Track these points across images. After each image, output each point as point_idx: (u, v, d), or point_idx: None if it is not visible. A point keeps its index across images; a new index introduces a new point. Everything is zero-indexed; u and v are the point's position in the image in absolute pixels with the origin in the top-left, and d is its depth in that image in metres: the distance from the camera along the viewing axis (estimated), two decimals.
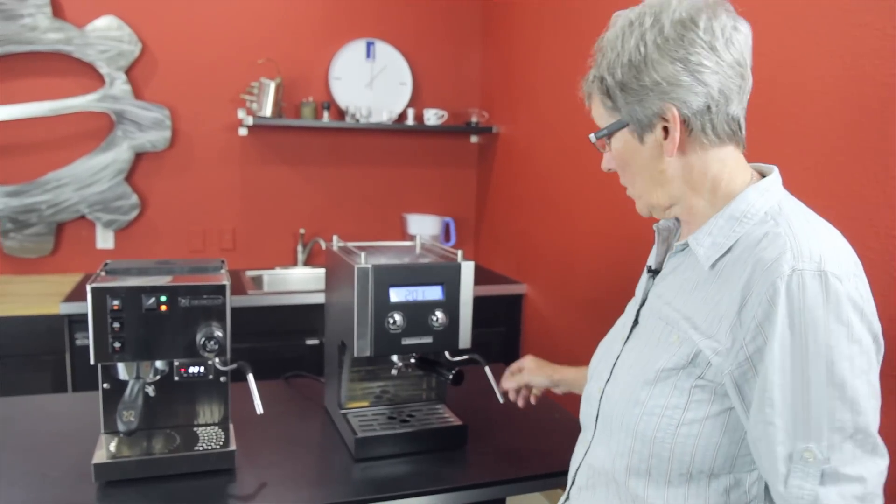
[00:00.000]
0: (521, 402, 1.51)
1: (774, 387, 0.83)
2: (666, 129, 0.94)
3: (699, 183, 0.97)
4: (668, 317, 0.98)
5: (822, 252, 0.84)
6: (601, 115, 1.01)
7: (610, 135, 0.99)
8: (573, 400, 1.37)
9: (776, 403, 0.83)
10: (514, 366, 1.52)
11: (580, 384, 1.37)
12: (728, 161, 0.96)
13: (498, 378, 1.51)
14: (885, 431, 1.40)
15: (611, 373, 1.05)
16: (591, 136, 1.02)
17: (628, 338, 1.07)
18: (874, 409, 0.84)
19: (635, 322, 1.07)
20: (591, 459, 1.07)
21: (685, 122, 0.92)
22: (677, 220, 1.09)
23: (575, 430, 1.54)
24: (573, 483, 1.12)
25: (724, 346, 0.88)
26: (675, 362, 0.93)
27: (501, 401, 1.46)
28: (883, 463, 0.84)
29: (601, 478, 1.04)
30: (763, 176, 0.99)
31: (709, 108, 0.92)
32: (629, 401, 0.98)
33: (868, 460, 0.83)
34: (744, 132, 0.97)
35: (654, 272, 1.09)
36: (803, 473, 0.82)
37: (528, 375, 1.48)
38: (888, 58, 1.41)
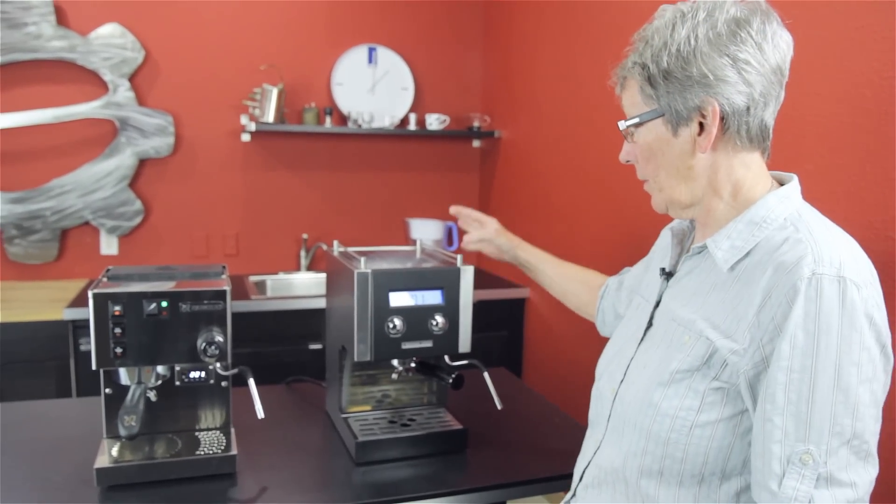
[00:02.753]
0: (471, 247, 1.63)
1: (778, 385, 0.84)
2: (701, 125, 0.94)
3: (722, 185, 0.98)
4: (684, 318, 0.98)
5: (841, 259, 0.86)
6: (635, 104, 1.00)
7: (641, 124, 0.99)
8: (574, 404, 1.37)
9: (777, 401, 0.84)
10: (476, 215, 1.62)
11: (538, 269, 1.60)
12: (752, 167, 0.97)
13: (496, 383, 1.52)
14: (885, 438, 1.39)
15: (624, 374, 1.06)
16: (622, 123, 1.02)
17: (642, 339, 1.07)
18: (872, 418, 0.85)
19: (649, 324, 1.07)
20: (600, 459, 1.08)
21: (723, 120, 0.93)
22: (691, 222, 1.11)
23: (575, 433, 1.54)
24: (580, 480, 1.13)
25: (742, 345, 0.88)
26: (690, 363, 0.94)
27: (500, 406, 1.46)
28: (874, 472, 0.85)
29: (609, 477, 1.04)
30: (782, 184, 1.00)
31: (748, 108, 0.93)
32: (643, 402, 0.98)
33: (861, 467, 0.84)
34: (770, 141, 0.99)
35: (669, 274, 1.09)
36: (799, 475, 0.83)
37: (492, 235, 1.60)
38: (888, 59, 1.41)
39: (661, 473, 0.96)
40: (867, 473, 0.84)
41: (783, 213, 0.94)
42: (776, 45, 0.92)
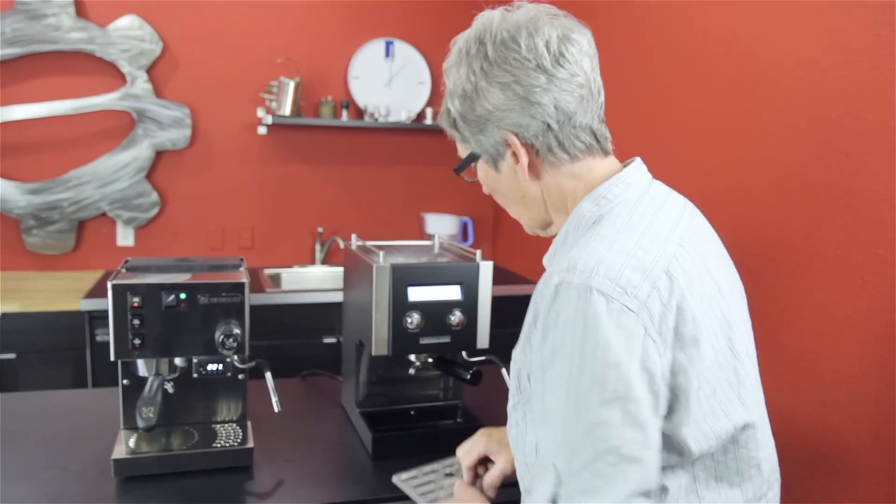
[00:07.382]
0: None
1: (536, 393, 0.86)
2: (515, 155, 0.91)
3: (558, 203, 0.95)
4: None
5: (600, 264, 0.79)
6: (459, 147, 1.00)
7: (469, 165, 0.98)
8: None
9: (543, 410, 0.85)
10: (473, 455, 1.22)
11: None
12: (582, 175, 0.92)
13: None
14: (886, 438, 1.35)
15: None
16: (456, 168, 1.01)
17: None
18: (627, 439, 0.75)
19: None
20: None
21: (529, 146, 0.90)
22: None
23: None
24: None
25: (518, 365, 0.92)
26: (511, 395, 0.96)
27: None
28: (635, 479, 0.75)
29: None
30: None
31: (549, 127, 0.88)
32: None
33: (607, 490, 0.74)
34: (605, 139, 0.94)
35: None
36: (543, 483, 0.82)
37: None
38: (889, 52, 1.38)
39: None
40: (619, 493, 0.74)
41: (594, 215, 0.89)
42: (558, 55, 0.86)
